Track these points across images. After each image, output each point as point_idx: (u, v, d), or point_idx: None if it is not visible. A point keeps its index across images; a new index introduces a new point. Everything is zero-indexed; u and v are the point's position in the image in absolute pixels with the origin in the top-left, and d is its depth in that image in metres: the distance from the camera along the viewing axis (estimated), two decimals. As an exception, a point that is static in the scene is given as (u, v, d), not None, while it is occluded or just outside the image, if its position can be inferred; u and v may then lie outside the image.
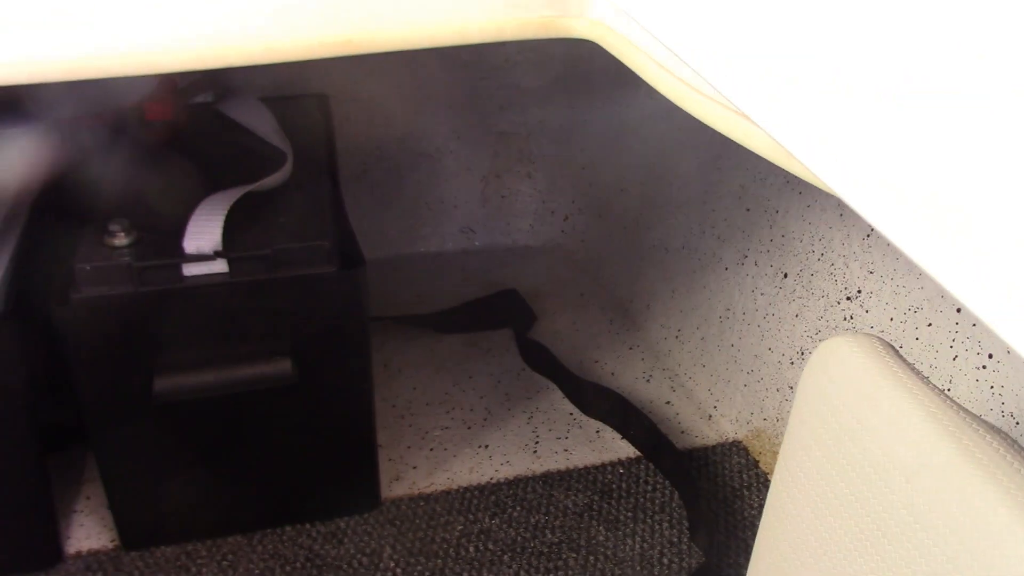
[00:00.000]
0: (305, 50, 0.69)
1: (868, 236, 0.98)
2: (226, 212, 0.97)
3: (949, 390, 0.89)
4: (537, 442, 1.21)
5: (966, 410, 0.54)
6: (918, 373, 0.60)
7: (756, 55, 0.52)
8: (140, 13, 0.67)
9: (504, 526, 1.07)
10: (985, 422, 0.54)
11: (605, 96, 1.53)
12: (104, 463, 1.01)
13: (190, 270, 0.95)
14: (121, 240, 0.96)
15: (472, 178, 1.64)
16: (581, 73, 1.52)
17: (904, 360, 0.60)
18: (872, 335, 0.64)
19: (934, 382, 0.92)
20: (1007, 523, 0.48)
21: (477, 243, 1.66)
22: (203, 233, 0.96)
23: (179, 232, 0.96)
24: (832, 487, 0.62)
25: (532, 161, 1.63)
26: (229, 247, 0.95)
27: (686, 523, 1.08)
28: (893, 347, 0.63)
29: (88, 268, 0.93)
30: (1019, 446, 0.53)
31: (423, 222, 1.63)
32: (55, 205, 1.14)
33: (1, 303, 0.92)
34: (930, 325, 0.91)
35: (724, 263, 1.25)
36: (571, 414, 1.26)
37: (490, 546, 1.05)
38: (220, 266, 0.95)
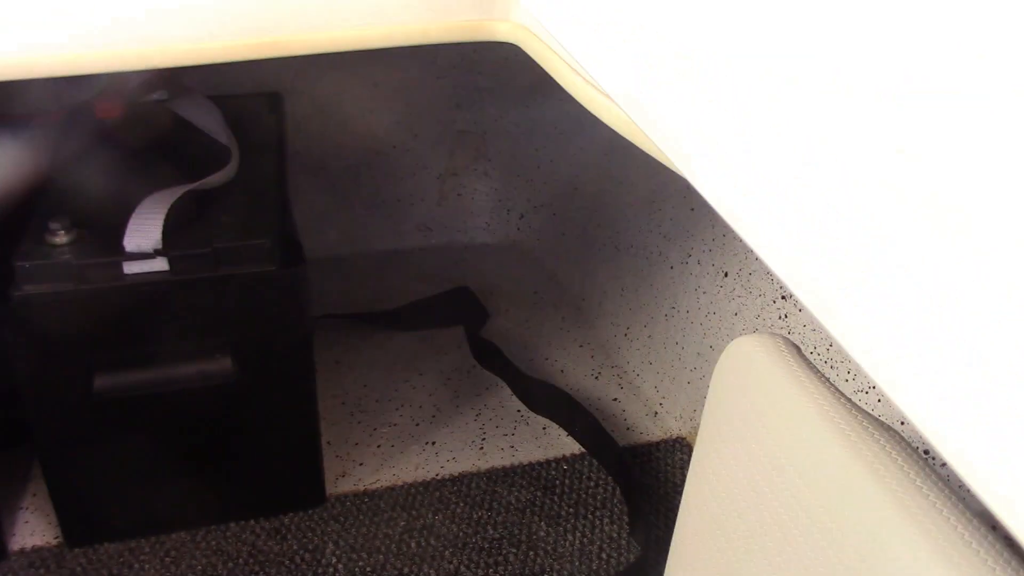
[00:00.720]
0: (232, 51, 0.70)
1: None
2: (167, 210, 0.97)
3: (874, 387, 0.91)
4: (484, 439, 1.23)
5: (861, 410, 0.55)
6: (818, 373, 0.61)
7: (645, 60, 0.53)
8: (70, 13, 0.68)
9: (447, 522, 1.09)
10: (878, 421, 0.56)
11: (560, 96, 1.54)
12: (46, 460, 1.01)
13: (131, 268, 0.95)
14: (62, 238, 0.96)
15: (429, 176, 1.64)
16: (537, 73, 1.53)
17: (806, 360, 0.62)
18: (778, 335, 0.66)
19: (861, 381, 0.94)
20: (891, 521, 0.49)
21: (433, 241, 1.67)
22: (143, 231, 0.96)
23: (120, 230, 0.96)
24: (738, 483, 0.64)
25: (488, 160, 1.64)
26: (170, 245, 0.95)
27: (626, 519, 1.09)
28: (797, 347, 0.65)
29: (28, 265, 0.93)
30: (908, 445, 0.55)
31: (380, 219, 1.64)
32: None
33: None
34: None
35: (670, 262, 1.26)
36: (519, 411, 1.28)
37: (432, 542, 1.06)
38: (160, 264, 0.96)
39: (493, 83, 1.59)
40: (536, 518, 1.09)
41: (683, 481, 1.14)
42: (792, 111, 0.40)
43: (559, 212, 1.58)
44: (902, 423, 0.89)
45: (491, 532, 1.07)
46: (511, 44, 0.74)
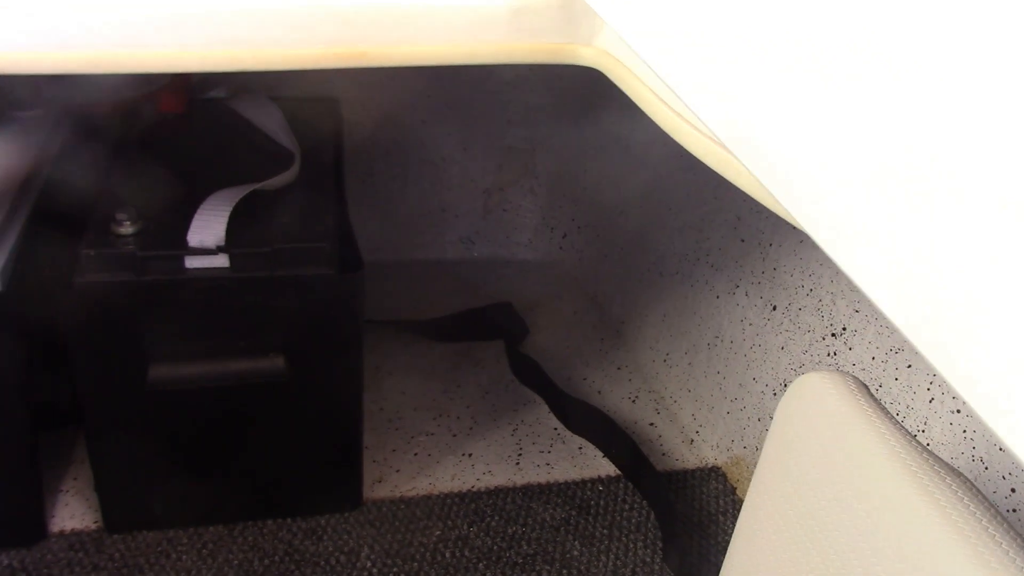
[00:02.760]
0: (322, 60, 0.72)
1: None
2: (231, 208, 0.99)
3: (924, 431, 0.91)
4: (520, 454, 1.23)
5: (931, 452, 0.55)
6: (887, 413, 0.61)
7: (745, 98, 0.54)
8: (168, 12, 0.69)
9: (481, 534, 1.09)
10: (948, 465, 0.56)
11: (611, 118, 1.55)
12: (94, 446, 1.03)
13: (192, 263, 0.97)
14: (126, 229, 0.98)
15: (475, 189, 1.66)
16: (589, 94, 1.54)
17: (875, 399, 0.62)
18: (846, 373, 0.66)
19: (910, 423, 0.94)
20: (961, 565, 0.49)
21: (476, 253, 1.68)
22: (207, 227, 0.98)
23: (183, 224, 0.98)
24: (799, 518, 0.64)
25: (535, 176, 1.65)
26: (231, 243, 0.97)
27: (660, 544, 1.10)
28: (866, 386, 0.65)
29: (92, 254, 0.95)
30: (978, 491, 0.55)
31: (424, 229, 1.65)
32: (62, 190, 1.16)
33: (3, 283, 0.93)
34: (909, 367, 0.93)
35: (716, 291, 1.27)
36: (555, 429, 1.28)
37: (466, 553, 1.07)
38: (221, 260, 0.97)
39: (545, 101, 1.60)
40: (570, 537, 1.10)
41: (718, 510, 1.14)
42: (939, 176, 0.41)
43: (603, 233, 1.59)
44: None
45: (525, 548, 1.08)
46: (593, 69, 0.75)
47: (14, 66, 0.70)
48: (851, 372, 1.01)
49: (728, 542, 1.12)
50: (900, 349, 0.94)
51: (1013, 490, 0.81)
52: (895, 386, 0.94)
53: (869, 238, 0.45)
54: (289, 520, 1.10)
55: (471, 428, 1.28)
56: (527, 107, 1.60)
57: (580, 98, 1.56)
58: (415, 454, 1.22)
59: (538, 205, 1.67)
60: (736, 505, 1.16)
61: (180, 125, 1.25)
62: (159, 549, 1.06)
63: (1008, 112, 0.34)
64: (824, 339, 1.05)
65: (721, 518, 1.14)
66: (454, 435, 1.26)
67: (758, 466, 0.71)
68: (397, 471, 1.19)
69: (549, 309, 1.54)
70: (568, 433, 1.28)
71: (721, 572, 0.77)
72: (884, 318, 0.98)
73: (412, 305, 1.51)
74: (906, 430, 0.58)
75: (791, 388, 0.69)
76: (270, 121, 1.23)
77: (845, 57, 0.49)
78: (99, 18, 0.69)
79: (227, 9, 0.70)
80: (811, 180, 0.50)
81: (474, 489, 1.17)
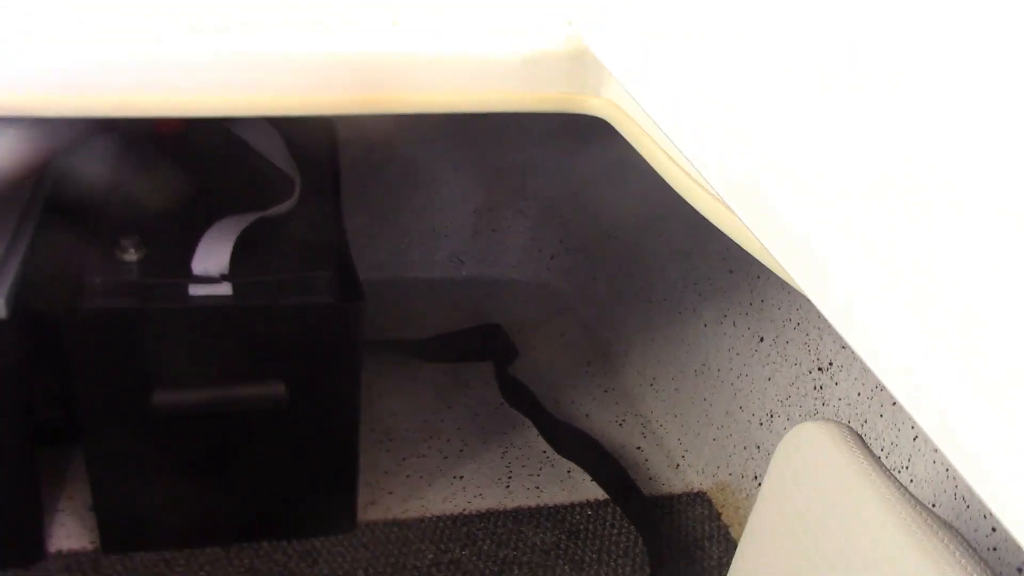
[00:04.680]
0: (338, 106, 0.74)
1: (843, 313, 1.04)
2: (235, 237, 1.00)
3: (908, 468, 0.94)
4: (510, 477, 1.26)
5: (922, 504, 0.58)
6: (881, 464, 0.64)
7: (750, 160, 0.56)
8: (188, 57, 0.71)
9: (474, 558, 1.11)
10: (940, 518, 0.59)
11: (603, 141, 1.58)
12: (94, 466, 1.04)
13: (196, 290, 0.99)
14: (131, 256, 1.00)
15: (465, 209, 1.68)
16: (582, 118, 1.57)
17: (869, 451, 0.65)
18: (841, 424, 0.69)
19: (894, 459, 0.97)
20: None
21: (465, 273, 1.70)
22: (212, 255, 0.99)
23: (187, 251, 0.99)
24: (793, 565, 0.67)
25: (525, 198, 1.68)
26: (234, 271, 0.99)
27: (648, 568, 1.12)
28: (859, 436, 0.68)
29: (97, 281, 0.97)
30: (968, 545, 0.58)
31: (414, 248, 1.67)
32: (63, 211, 1.17)
33: (6, 308, 0.94)
34: (894, 404, 0.96)
35: (704, 320, 1.30)
36: (544, 452, 1.31)
37: (459, 577, 1.09)
38: (225, 288, 0.99)
39: (536, 124, 1.63)
40: (560, 561, 1.12)
41: (703, 535, 1.17)
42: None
43: (592, 257, 1.62)
44: (933, 505, 0.92)
45: (517, 572, 1.10)
46: (600, 119, 0.78)
47: (31, 108, 0.72)
48: (836, 407, 1.04)
49: (713, 567, 1.15)
50: (885, 387, 0.97)
51: (994, 529, 0.84)
52: (880, 423, 0.97)
53: (875, 318, 0.48)
54: (284, 542, 1.11)
55: (461, 451, 1.30)
56: (519, 130, 1.63)
57: (572, 123, 1.59)
58: (407, 476, 1.24)
59: (527, 227, 1.69)
60: (721, 531, 1.19)
61: (178, 147, 1.26)
62: (156, 570, 1.07)
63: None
64: (810, 372, 1.08)
65: (707, 543, 1.17)
66: (445, 457, 1.28)
67: (753, 511, 0.73)
68: (390, 493, 1.21)
69: (537, 331, 1.56)
70: (557, 456, 1.30)
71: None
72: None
73: (401, 324, 1.53)
74: (899, 481, 0.61)
75: (788, 436, 0.72)
76: (269, 144, 1.25)
77: (847, 125, 0.51)
78: (116, 59, 0.71)
79: (246, 54, 0.72)
80: (814, 249, 0.53)
81: (465, 512, 1.19)
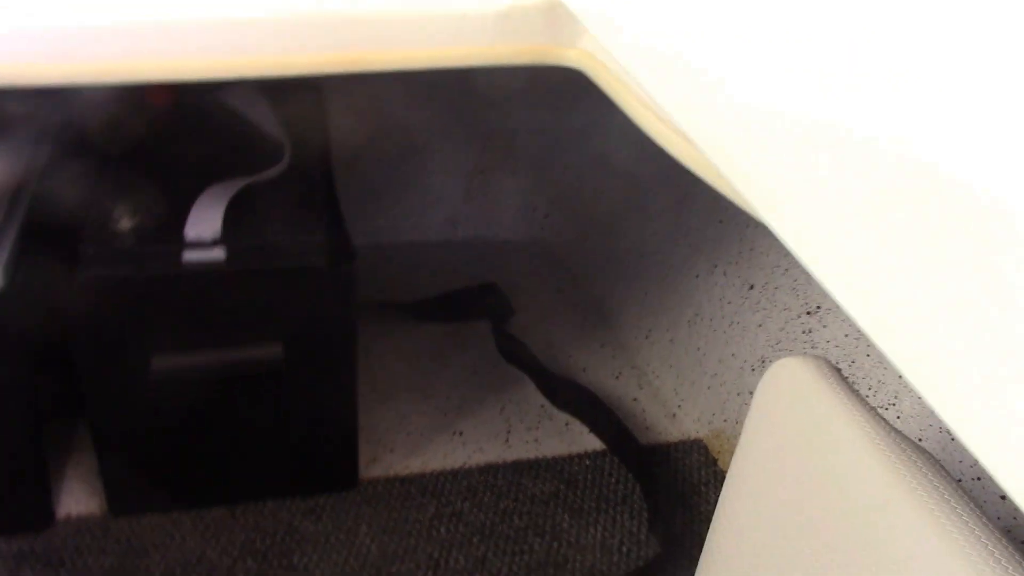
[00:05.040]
0: (317, 66, 0.75)
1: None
2: (227, 202, 1.02)
3: (895, 405, 0.96)
4: (509, 431, 1.28)
5: (900, 433, 0.60)
6: (858, 396, 0.66)
7: (720, 106, 0.58)
8: (161, 20, 0.72)
9: (475, 510, 1.14)
10: (914, 443, 0.61)
11: (590, 100, 1.58)
12: (99, 433, 1.06)
13: (189, 256, 1.00)
14: (125, 224, 1.01)
15: (458, 172, 1.69)
16: (568, 77, 1.57)
17: (847, 383, 0.67)
18: (820, 357, 0.70)
19: (881, 397, 0.99)
20: (927, 538, 0.54)
21: (459, 236, 1.71)
22: (204, 221, 1.01)
23: (180, 219, 1.01)
24: (777, 495, 0.69)
25: (516, 159, 1.69)
26: (226, 236, 1.00)
27: (646, 515, 1.15)
28: (838, 370, 0.69)
29: (93, 249, 0.98)
30: (941, 467, 0.60)
31: (408, 212, 1.69)
32: (57, 184, 1.18)
33: (4, 278, 0.96)
34: (880, 343, 0.98)
35: (695, 271, 1.31)
36: (542, 406, 1.33)
37: (461, 528, 1.11)
38: (218, 253, 1.00)
39: (524, 84, 1.63)
40: (560, 510, 1.14)
41: (700, 481, 1.19)
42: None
43: (584, 213, 1.63)
44: (920, 440, 0.94)
45: (517, 521, 1.13)
46: (576, 70, 0.79)
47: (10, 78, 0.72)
48: (825, 348, 1.06)
49: (710, 512, 1.18)
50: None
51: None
52: (867, 362, 0.99)
53: (831, 238, 0.49)
54: (288, 500, 1.14)
55: (460, 407, 1.32)
56: (507, 90, 1.63)
57: (557, 81, 1.60)
58: (407, 434, 1.26)
59: (519, 187, 1.70)
60: (718, 477, 1.21)
61: (170, 118, 1.27)
62: (164, 531, 1.09)
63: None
64: (799, 317, 1.10)
65: (703, 489, 1.19)
66: (444, 414, 1.30)
67: (738, 448, 0.75)
68: (391, 450, 1.23)
69: (532, 289, 1.58)
70: (554, 410, 1.32)
71: (705, 545, 0.82)
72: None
73: (397, 287, 1.55)
74: (875, 410, 0.62)
75: (768, 372, 0.73)
76: (257, 112, 1.26)
77: (824, 66, 0.53)
78: (90, 26, 0.72)
79: (221, 17, 0.73)
80: (783, 187, 0.54)
81: (465, 466, 1.21)
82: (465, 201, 1.70)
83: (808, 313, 1.09)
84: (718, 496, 1.19)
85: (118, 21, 0.71)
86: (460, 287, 1.54)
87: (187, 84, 0.93)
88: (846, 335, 1.03)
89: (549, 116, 1.63)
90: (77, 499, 1.13)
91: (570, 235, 1.65)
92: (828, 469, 0.62)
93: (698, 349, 1.30)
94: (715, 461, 1.24)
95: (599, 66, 0.76)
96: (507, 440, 1.26)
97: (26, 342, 1.00)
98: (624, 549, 1.10)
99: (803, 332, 1.09)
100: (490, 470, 1.20)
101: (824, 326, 1.06)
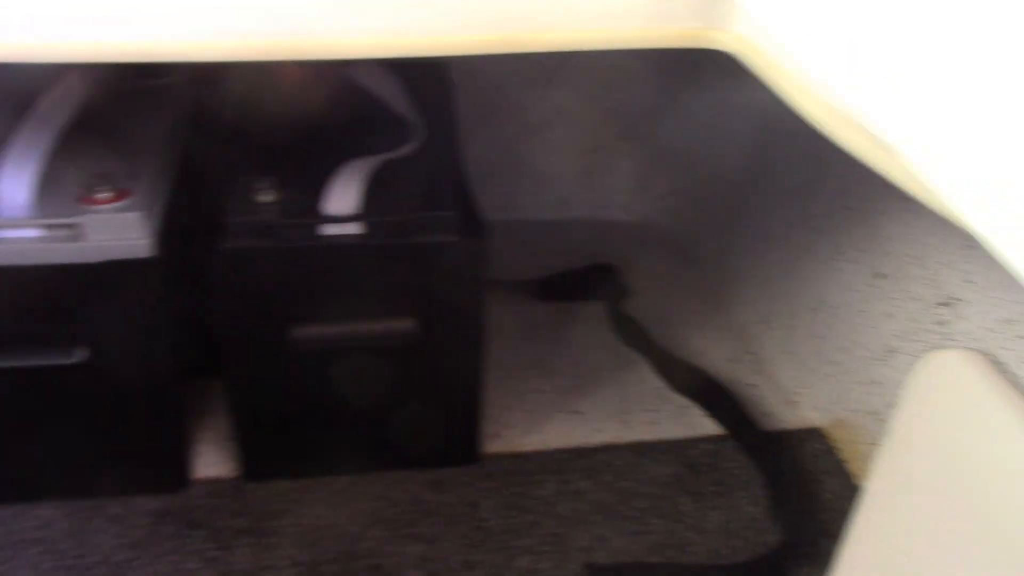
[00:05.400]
0: (469, 46, 0.76)
1: (970, 246, 1.03)
2: (365, 178, 1.04)
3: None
4: (627, 412, 1.28)
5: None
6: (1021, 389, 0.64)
7: (887, 75, 0.57)
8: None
9: (595, 489, 1.15)
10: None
11: (711, 81, 1.57)
12: (235, 399, 1.10)
13: (327, 230, 1.03)
14: (267, 197, 1.04)
15: (573, 151, 1.69)
16: (689, 57, 1.56)
17: (1009, 376, 0.65)
18: (976, 350, 0.69)
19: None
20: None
21: (573, 214, 1.72)
22: (342, 196, 1.03)
23: (318, 193, 1.03)
24: (929, 493, 0.67)
25: (633, 139, 1.68)
26: (363, 211, 1.02)
27: (767, 501, 1.14)
28: (998, 362, 0.68)
29: (237, 221, 1.01)
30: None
31: (522, 190, 1.70)
32: (196, 157, 1.22)
33: (155, 247, 1.00)
34: (1022, 338, 0.96)
35: (819, 257, 1.29)
36: (659, 388, 1.33)
37: (581, 506, 1.12)
38: (355, 228, 1.03)
39: (644, 64, 1.63)
40: (680, 493, 1.15)
41: (819, 470, 1.18)
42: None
43: (701, 196, 1.62)
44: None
45: (637, 503, 1.13)
46: (728, 54, 0.78)
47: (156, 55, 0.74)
48: (962, 341, 1.03)
49: (831, 501, 1.16)
50: (1013, 320, 0.96)
51: None
52: (1010, 357, 0.97)
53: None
54: (413, 472, 1.16)
55: (578, 386, 1.33)
56: (625, 70, 1.63)
57: (678, 60, 1.59)
58: (526, 411, 1.28)
59: (635, 167, 1.70)
60: (837, 466, 1.20)
61: (302, 92, 1.30)
62: (293, 496, 1.13)
63: None
64: (933, 308, 1.08)
65: (823, 478, 1.18)
66: (561, 393, 1.31)
67: (885, 444, 0.74)
68: (509, 427, 1.25)
69: (647, 270, 1.58)
70: (672, 393, 1.32)
71: (845, 545, 0.81)
72: (997, 289, 1.00)
73: (512, 265, 1.56)
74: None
75: (919, 366, 0.72)
76: (387, 89, 1.28)
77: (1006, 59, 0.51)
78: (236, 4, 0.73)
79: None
80: (978, 182, 0.53)
81: (585, 445, 1.22)
82: (580, 180, 1.70)
83: (942, 304, 1.07)
84: (838, 484, 1.18)
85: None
86: (576, 267, 1.55)
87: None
88: (985, 327, 1.00)
89: (669, 96, 1.63)
90: (210, 462, 1.18)
91: (687, 217, 1.65)
92: (993, 468, 0.61)
93: (819, 337, 1.29)
94: (834, 450, 1.23)
95: (753, 49, 0.75)
96: (625, 421, 1.27)
97: (171, 307, 1.04)
98: (746, 535, 1.10)
99: (936, 324, 1.07)
100: (609, 450, 1.21)
101: (961, 318, 1.04)
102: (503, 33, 0.77)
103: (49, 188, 0.99)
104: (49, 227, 0.98)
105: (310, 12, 0.74)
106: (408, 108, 1.23)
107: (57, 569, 1.04)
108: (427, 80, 1.33)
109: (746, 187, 1.52)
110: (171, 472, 1.13)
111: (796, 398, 1.31)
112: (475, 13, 0.76)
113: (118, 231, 0.98)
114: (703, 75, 1.57)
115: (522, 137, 1.67)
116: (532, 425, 1.25)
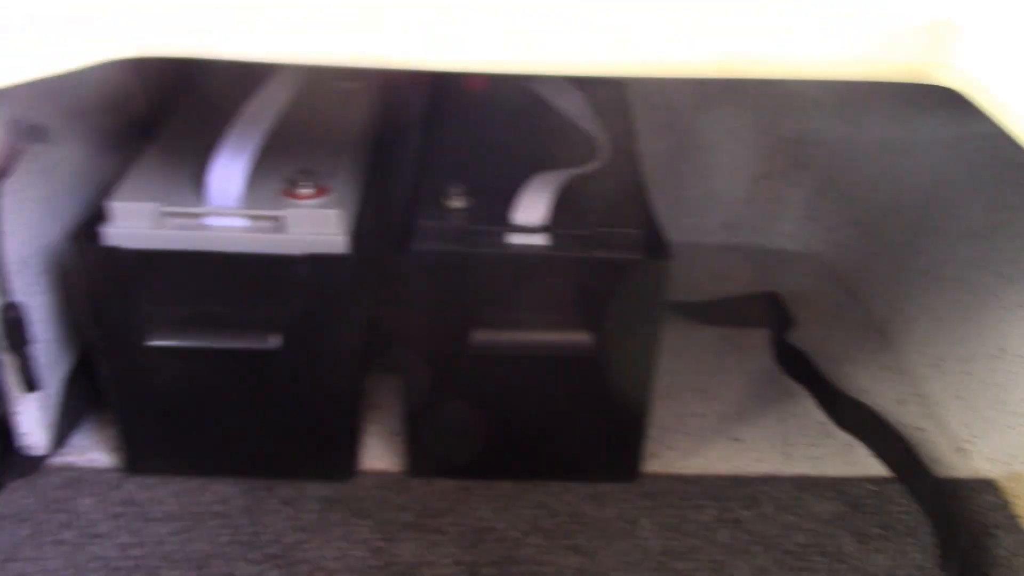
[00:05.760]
0: (698, 70, 0.76)
1: None
2: (555, 191, 1.06)
3: None
4: (789, 444, 1.26)
5: None
6: None
7: None
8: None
9: (755, 519, 1.14)
10: None
11: (890, 114, 1.54)
12: (410, 396, 1.13)
13: (514, 239, 1.05)
14: (457, 203, 1.07)
15: (741, 176, 1.68)
16: (868, 87, 1.53)
17: None
18: None
19: None
20: None
21: (736, 240, 1.70)
22: (532, 207, 1.05)
23: (506, 202, 1.06)
24: None
25: (805, 168, 1.66)
26: (551, 223, 1.04)
27: (935, 550, 1.11)
28: None
29: (428, 225, 1.04)
30: None
31: (686, 213, 1.69)
32: (384, 159, 1.26)
33: (347, 244, 1.03)
34: None
35: (1003, 303, 1.25)
36: (822, 423, 1.31)
37: (742, 536, 1.11)
38: (541, 239, 1.05)
39: (822, 92, 1.60)
40: (843, 532, 1.12)
41: (991, 523, 1.14)
42: None
43: (872, 231, 1.58)
44: None
45: (799, 538, 1.11)
46: (954, 90, 0.77)
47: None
48: None
49: (1005, 557, 1.12)
50: None
51: None
52: None
53: None
54: (572, 484, 1.17)
55: (739, 414, 1.32)
56: (803, 97, 1.61)
57: (857, 90, 1.56)
58: (686, 433, 1.27)
59: (804, 197, 1.67)
60: (1012, 522, 1.15)
61: (485, 103, 1.33)
62: (456, 496, 1.15)
63: None
64: None
65: (996, 531, 1.14)
66: (722, 419, 1.31)
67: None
68: (669, 448, 1.25)
69: (812, 302, 1.55)
70: (835, 428, 1.30)
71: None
72: None
73: (674, 287, 1.55)
74: None
75: None
76: (570, 104, 1.30)
77: None
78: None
79: (613, 23, 0.75)
80: None
81: (744, 474, 1.21)
82: (747, 206, 1.69)
83: None
84: (1014, 542, 1.14)
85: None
86: (740, 293, 1.54)
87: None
88: None
89: (845, 125, 1.60)
90: (374, 455, 1.21)
91: (855, 251, 1.61)
92: None
93: (998, 385, 1.24)
94: (1007, 504, 1.18)
95: (979, 87, 0.74)
96: (787, 453, 1.25)
97: (360, 304, 1.08)
98: (913, 582, 1.07)
99: None
100: (771, 481, 1.20)
101: None
102: (719, 61, 0.77)
103: (256, 181, 1.04)
104: (255, 218, 1.03)
105: (518, 28, 0.75)
106: (593, 124, 1.25)
107: (233, 543, 1.08)
108: (606, 96, 1.34)
109: (921, 224, 1.48)
110: (342, 462, 1.17)
111: (968, 446, 1.27)
112: (696, 41, 0.76)
113: (318, 226, 1.02)
114: (883, 107, 1.54)
115: (690, 158, 1.66)
116: (692, 448, 1.25)
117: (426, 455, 1.17)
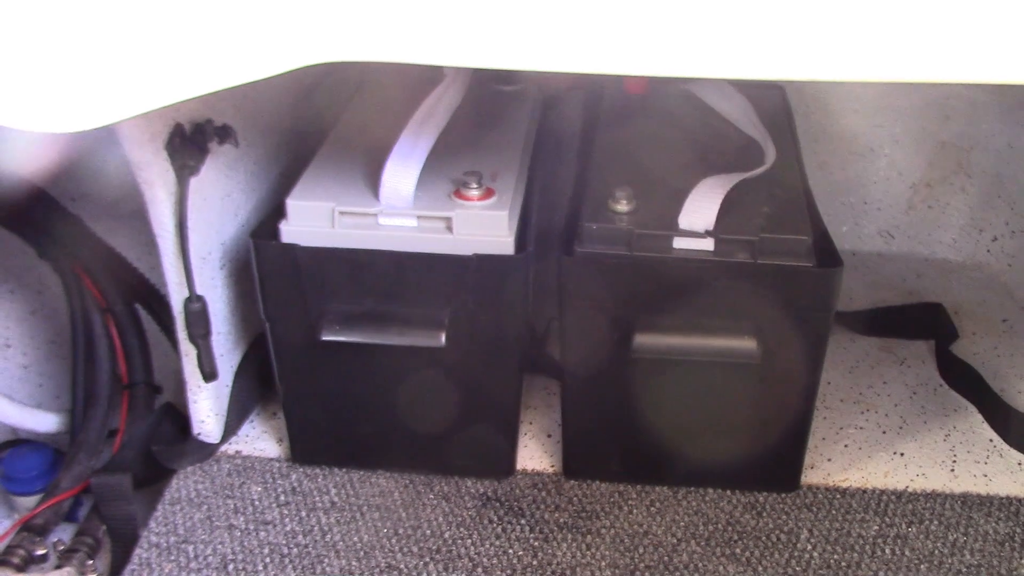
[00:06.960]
0: (851, 73, 0.74)
1: None
2: (722, 196, 1.05)
3: None
4: (955, 461, 1.22)
5: None
6: None
7: None
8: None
9: (921, 536, 1.10)
10: None
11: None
12: (569, 398, 1.14)
13: (679, 243, 1.04)
14: (623, 207, 1.07)
15: (901, 183, 1.63)
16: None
17: None
18: None
19: None
20: None
21: (894, 248, 1.66)
22: (698, 212, 1.04)
23: (672, 206, 1.05)
24: None
25: (968, 176, 1.60)
26: (717, 229, 1.03)
27: (1117, 578, 1.06)
28: None
29: (594, 227, 1.05)
30: None
31: (843, 220, 1.65)
32: (546, 162, 1.27)
33: (514, 245, 1.05)
34: None
35: None
36: (991, 440, 1.26)
37: (907, 553, 1.08)
38: (707, 244, 1.04)
39: (989, 98, 1.54)
40: (1017, 555, 1.08)
41: None
42: None
43: (1042, 241, 1.52)
44: None
45: (968, 557, 1.08)
46: None
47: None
48: None
49: None
50: None
51: None
52: None
53: None
54: (729, 492, 1.16)
55: (900, 428, 1.28)
56: (970, 103, 1.55)
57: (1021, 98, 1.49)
58: (845, 446, 1.24)
59: (968, 205, 1.61)
60: None
61: (646, 106, 1.33)
62: (610, 499, 1.15)
63: None
64: None
65: None
66: (883, 432, 1.27)
67: None
68: (828, 460, 1.22)
69: (976, 314, 1.49)
70: (1005, 446, 1.25)
71: None
72: None
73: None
74: None
75: None
76: (732, 108, 1.28)
77: None
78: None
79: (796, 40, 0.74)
80: None
81: (908, 490, 1.17)
82: (907, 213, 1.64)
83: None
84: None
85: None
86: (902, 303, 1.49)
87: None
88: None
89: (1012, 134, 1.53)
90: (530, 455, 1.22)
91: (1022, 262, 1.55)
92: None
93: None
94: None
95: None
96: (953, 470, 1.21)
97: (525, 304, 1.09)
98: (1094, 610, 1.02)
99: None
100: (936, 498, 1.16)
101: None
102: (883, 65, 0.75)
103: (426, 182, 1.06)
104: (425, 218, 1.05)
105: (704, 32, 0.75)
106: (755, 129, 1.23)
107: (393, 536, 1.11)
108: (766, 101, 1.33)
109: (1099, 236, 1.41)
110: (500, 460, 1.18)
111: None
112: (858, 45, 0.74)
113: (485, 227, 1.04)
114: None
115: (849, 164, 1.62)
116: (851, 462, 1.22)
117: (582, 457, 1.18)
